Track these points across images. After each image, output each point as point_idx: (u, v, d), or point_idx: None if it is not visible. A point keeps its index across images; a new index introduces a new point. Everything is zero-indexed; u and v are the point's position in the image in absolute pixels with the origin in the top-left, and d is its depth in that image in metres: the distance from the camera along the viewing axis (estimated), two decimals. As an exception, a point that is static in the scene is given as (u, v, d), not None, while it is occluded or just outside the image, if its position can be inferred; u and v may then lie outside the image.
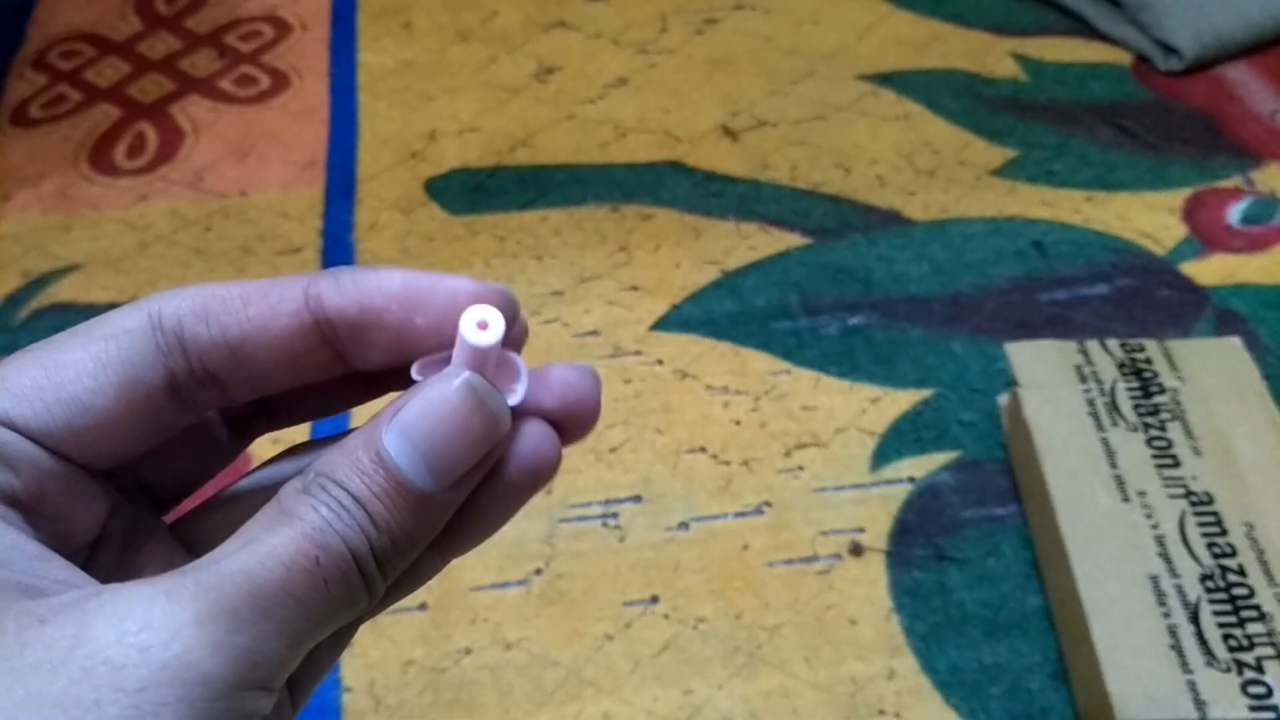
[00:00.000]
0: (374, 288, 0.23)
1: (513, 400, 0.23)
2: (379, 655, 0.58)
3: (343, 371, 0.24)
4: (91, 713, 0.19)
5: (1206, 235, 0.78)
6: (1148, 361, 0.62)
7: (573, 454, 0.66)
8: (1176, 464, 0.58)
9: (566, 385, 0.24)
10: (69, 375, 0.22)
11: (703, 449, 0.66)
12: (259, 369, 0.23)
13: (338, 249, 0.79)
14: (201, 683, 0.19)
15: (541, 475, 0.24)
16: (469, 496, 0.23)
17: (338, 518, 0.21)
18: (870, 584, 0.60)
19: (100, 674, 0.19)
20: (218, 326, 0.23)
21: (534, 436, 0.24)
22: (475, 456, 0.22)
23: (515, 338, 0.24)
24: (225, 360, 0.23)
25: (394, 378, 0.25)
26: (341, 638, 0.25)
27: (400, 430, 0.22)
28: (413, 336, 0.23)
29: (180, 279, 0.77)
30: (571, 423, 0.24)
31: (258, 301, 0.23)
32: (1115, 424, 0.60)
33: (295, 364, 0.23)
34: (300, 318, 0.23)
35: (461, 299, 0.23)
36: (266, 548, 0.21)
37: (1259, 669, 0.51)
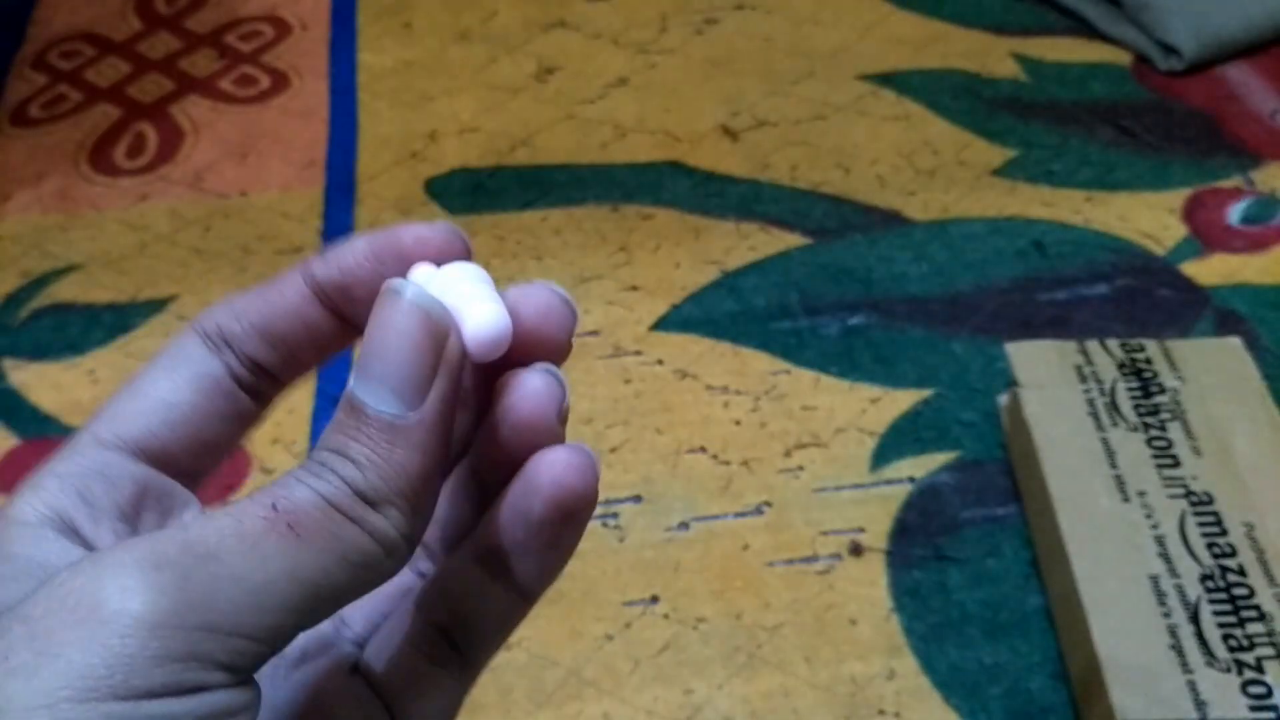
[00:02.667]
0: (347, 250, 0.26)
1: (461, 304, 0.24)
2: (379, 655, 0.58)
3: (354, 336, 0.26)
4: None
5: (1206, 235, 0.78)
6: (1148, 361, 0.62)
7: (573, 454, 0.66)
8: (1176, 464, 0.58)
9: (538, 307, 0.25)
10: (147, 386, 0.25)
11: (703, 449, 0.66)
12: (286, 345, 0.26)
13: (338, 249, 0.79)
14: (107, 621, 0.19)
15: (569, 502, 0.24)
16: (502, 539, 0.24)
17: (306, 471, 0.22)
18: (870, 584, 0.60)
19: (10, 606, 0.20)
20: (245, 319, 0.26)
21: (554, 465, 0.24)
22: (422, 357, 0.22)
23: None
24: (259, 345, 0.26)
25: None
26: (443, 693, 0.26)
27: (357, 370, 0.23)
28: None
29: (180, 279, 0.77)
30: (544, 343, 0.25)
31: (269, 289, 0.26)
32: (1115, 424, 0.60)
33: (311, 334, 0.26)
34: (302, 292, 0.26)
35: (409, 240, 0.25)
36: (218, 511, 0.21)
37: (1259, 669, 0.51)
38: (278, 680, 0.26)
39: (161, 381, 0.25)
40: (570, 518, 0.24)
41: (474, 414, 0.27)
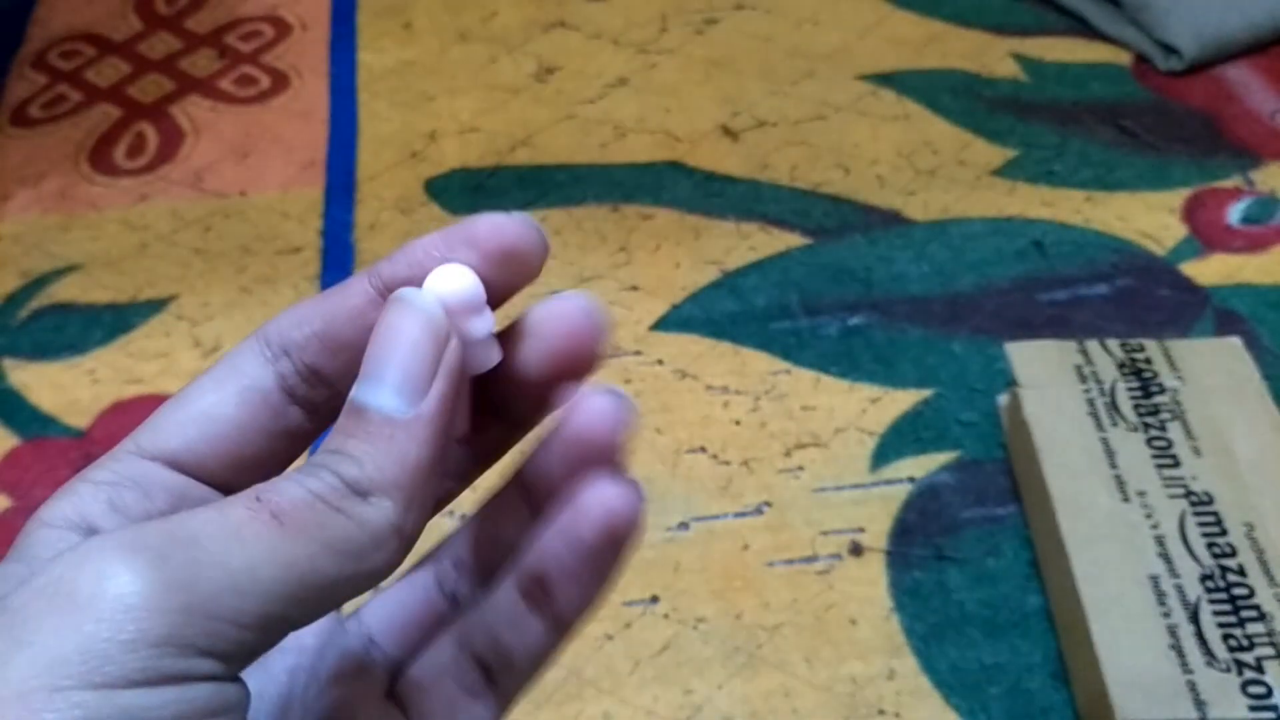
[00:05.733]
0: (416, 246, 0.25)
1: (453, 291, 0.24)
2: (379, 655, 0.58)
3: None
4: None
5: (1206, 235, 0.78)
6: (1148, 361, 0.62)
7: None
8: (1176, 464, 0.58)
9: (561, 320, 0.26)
10: (194, 397, 0.25)
11: (703, 449, 0.66)
12: (347, 352, 0.25)
13: (338, 249, 0.79)
14: (82, 606, 0.19)
15: (619, 529, 0.25)
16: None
17: (298, 472, 0.22)
18: (870, 584, 0.60)
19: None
20: (307, 324, 0.25)
21: (606, 493, 0.24)
22: (423, 357, 0.23)
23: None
24: (319, 351, 0.25)
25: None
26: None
27: (360, 375, 0.23)
28: None
29: (180, 279, 0.77)
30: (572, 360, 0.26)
31: (333, 294, 0.26)
32: (1115, 424, 0.60)
33: None
34: (367, 294, 0.25)
35: (484, 229, 0.25)
36: (205, 505, 0.21)
37: (1259, 669, 0.51)
38: (309, 701, 0.26)
39: (208, 394, 0.25)
40: (618, 543, 0.25)
41: (505, 433, 0.28)
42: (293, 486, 0.22)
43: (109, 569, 0.19)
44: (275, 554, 0.21)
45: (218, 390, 0.25)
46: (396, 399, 0.23)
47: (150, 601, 0.19)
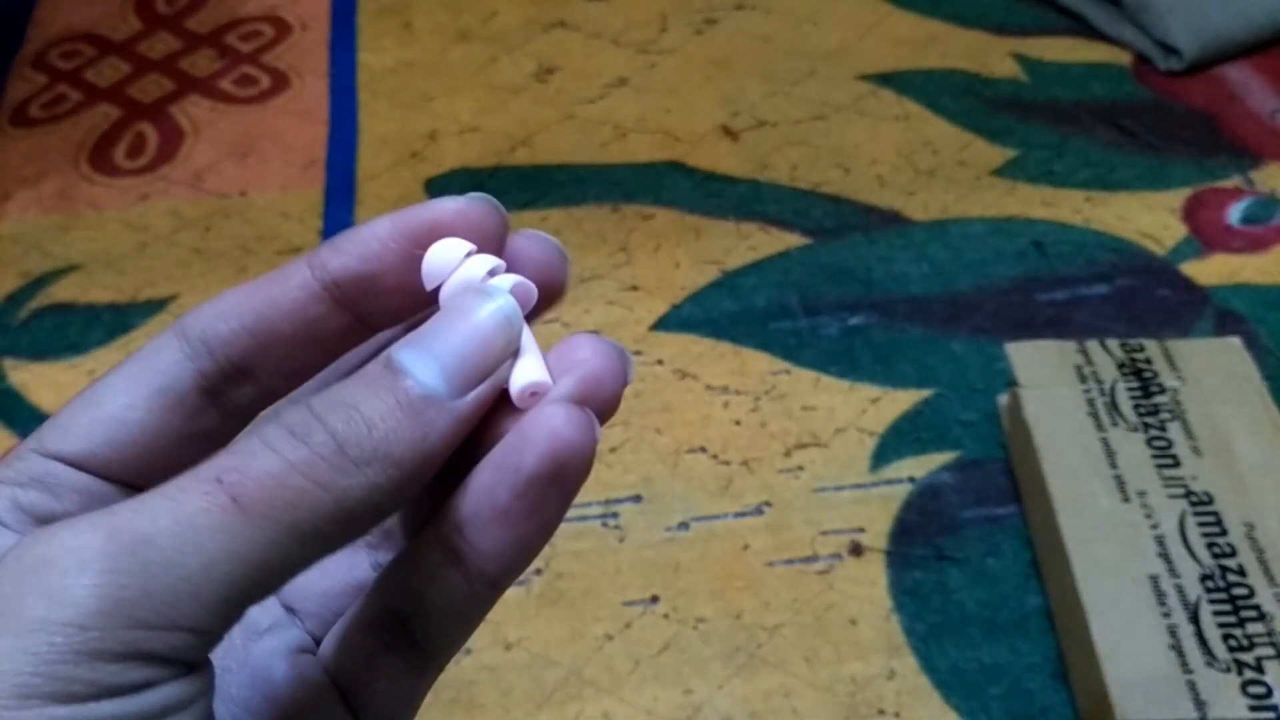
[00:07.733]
0: (368, 235, 0.23)
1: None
2: (379, 655, 0.58)
3: (365, 336, 0.24)
4: None
5: (1206, 235, 0.78)
6: (1148, 361, 0.62)
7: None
8: (1176, 464, 0.58)
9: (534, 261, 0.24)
10: (105, 397, 0.23)
11: (703, 449, 0.66)
12: (283, 348, 0.23)
13: (338, 249, 0.79)
14: (34, 628, 0.18)
15: (564, 456, 0.22)
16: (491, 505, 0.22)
17: (283, 430, 0.20)
18: (870, 584, 0.60)
19: None
20: (235, 318, 0.23)
21: (553, 417, 0.22)
22: (486, 356, 0.22)
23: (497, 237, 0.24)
24: (249, 348, 0.23)
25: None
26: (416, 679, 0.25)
27: (413, 339, 0.21)
28: (417, 271, 0.23)
29: (180, 279, 0.77)
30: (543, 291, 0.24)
31: (266, 285, 0.23)
32: (1115, 424, 0.60)
33: (314, 335, 0.23)
34: (308, 287, 0.23)
35: (447, 217, 0.23)
36: (157, 490, 0.20)
37: (1259, 669, 0.51)
38: (226, 666, 0.24)
39: (119, 395, 0.23)
40: (561, 477, 0.22)
41: None
42: (268, 457, 0.20)
43: (59, 584, 0.18)
44: (234, 545, 0.19)
45: (129, 392, 0.23)
46: (442, 381, 0.21)
47: (105, 620, 0.18)
